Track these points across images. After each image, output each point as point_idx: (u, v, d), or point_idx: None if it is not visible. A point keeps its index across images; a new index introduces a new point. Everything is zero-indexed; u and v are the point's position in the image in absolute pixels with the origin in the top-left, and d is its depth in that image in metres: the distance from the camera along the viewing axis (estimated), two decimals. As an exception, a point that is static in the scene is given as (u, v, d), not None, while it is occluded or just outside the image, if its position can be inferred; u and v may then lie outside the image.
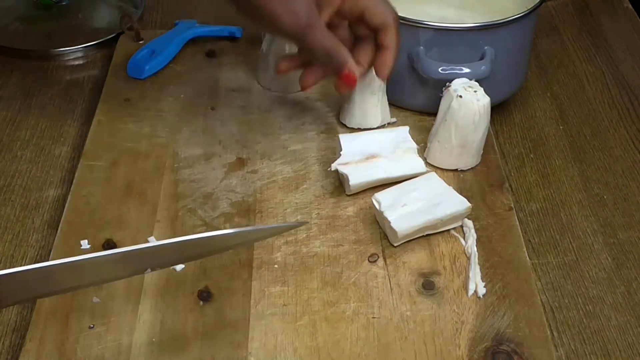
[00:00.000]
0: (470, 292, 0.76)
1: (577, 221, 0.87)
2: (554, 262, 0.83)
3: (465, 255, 0.79)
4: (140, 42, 1.05)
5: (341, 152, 0.85)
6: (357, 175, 0.84)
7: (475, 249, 0.79)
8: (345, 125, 0.93)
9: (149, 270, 0.66)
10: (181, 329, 0.72)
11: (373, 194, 0.81)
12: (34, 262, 0.80)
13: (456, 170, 0.88)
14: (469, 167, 0.88)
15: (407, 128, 0.89)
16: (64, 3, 1.15)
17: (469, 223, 0.81)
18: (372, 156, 0.86)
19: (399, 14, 0.92)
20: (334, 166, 0.85)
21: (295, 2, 0.77)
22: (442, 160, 0.88)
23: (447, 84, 0.87)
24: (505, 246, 0.80)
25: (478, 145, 0.88)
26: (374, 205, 0.81)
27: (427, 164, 0.88)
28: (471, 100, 0.85)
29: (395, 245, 0.80)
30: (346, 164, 0.85)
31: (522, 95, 1.03)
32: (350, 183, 0.84)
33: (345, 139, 0.87)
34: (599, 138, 0.98)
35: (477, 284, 0.76)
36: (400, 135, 0.88)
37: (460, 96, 0.85)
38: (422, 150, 0.91)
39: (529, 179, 0.92)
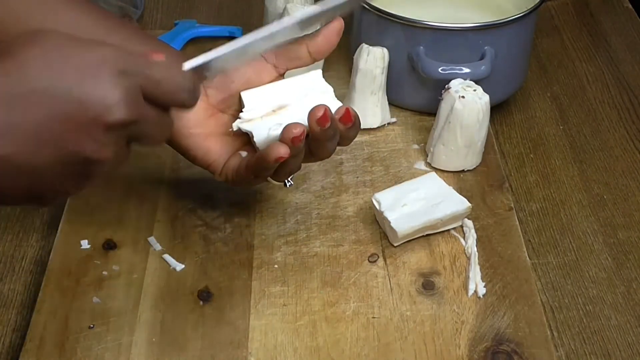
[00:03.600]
0: (470, 292, 0.76)
1: (577, 221, 0.87)
2: (554, 262, 0.83)
3: (465, 255, 0.79)
4: (140, 42, 1.05)
5: (243, 109, 0.73)
6: (262, 131, 0.72)
7: (475, 249, 0.79)
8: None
9: None
10: (181, 329, 0.72)
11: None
12: (34, 263, 0.81)
13: (462, 170, 0.88)
14: (474, 167, 0.88)
15: (319, 71, 0.76)
16: (64, 3, 1.15)
17: (469, 223, 0.81)
18: (279, 107, 0.73)
19: (400, 14, 0.92)
20: (235, 125, 0.73)
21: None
22: (448, 163, 0.88)
23: (446, 86, 0.87)
24: (505, 246, 0.80)
25: (482, 144, 0.88)
26: (374, 205, 0.81)
27: (432, 168, 0.88)
28: (474, 100, 0.85)
29: (395, 245, 0.80)
30: (249, 120, 0.73)
31: (522, 95, 1.03)
32: (255, 140, 0.72)
33: (247, 94, 0.74)
34: (599, 138, 0.97)
35: (477, 284, 0.76)
36: (312, 79, 0.75)
37: (463, 97, 0.85)
38: (422, 151, 0.91)
39: (529, 179, 0.92)
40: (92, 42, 0.55)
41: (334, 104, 0.73)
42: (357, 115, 0.72)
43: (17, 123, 0.52)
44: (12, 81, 0.52)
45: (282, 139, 0.69)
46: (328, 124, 0.69)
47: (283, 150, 0.68)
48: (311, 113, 0.69)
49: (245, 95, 0.73)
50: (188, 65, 0.63)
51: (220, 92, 0.73)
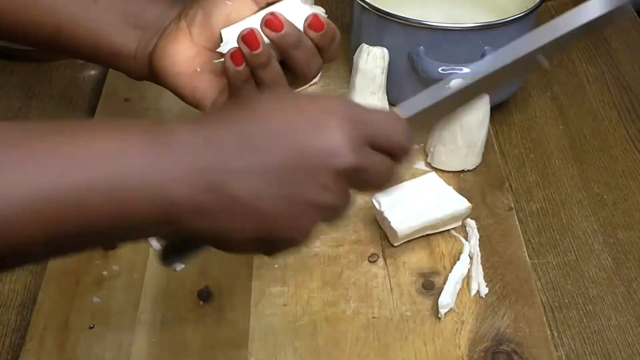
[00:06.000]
0: (473, 291, 0.76)
1: (577, 221, 0.87)
2: (554, 262, 0.83)
3: (468, 255, 0.79)
4: (140, 42, 1.05)
5: (221, 44, 0.72)
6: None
7: (478, 248, 0.79)
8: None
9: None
10: (181, 329, 0.72)
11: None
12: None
13: (462, 170, 0.88)
14: (474, 167, 0.88)
15: None
16: (64, 3, 1.15)
17: (471, 223, 0.81)
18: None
19: (400, 14, 0.92)
20: (216, 62, 0.72)
21: None
22: (448, 163, 0.88)
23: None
24: (505, 246, 0.80)
25: (482, 144, 0.88)
26: (374, 205, 0.81)
27: (432, 167, 0.88)
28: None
29: (395, 245, 0.80)
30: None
31: (522, 95, 1.03)
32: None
33: (227, 30, 0.72)
34: (599, 138, 0.97)
35: (479, 283, 0.76)
36: (291, 6, 0.72)
37: (462, 96, 0.85)
38: (422, 151, 0.91)
39: (529, 179, 0.92)
40: (320, 96, 0.60)
41: (304, 11, 0.71)
42: (331, 24, 0.71)
43: (253, 165, 0.54)
44: (252, 127, 0.55)
45: (239, 44, 0.69)
46: (282, 31, 0.68)
47: (234, 52, 0.69)
48: (263, 22, 0.68)
49: (224, 32, 0.72)
50: (406, 114, 0.63)
51: (203, 30, 0.73)
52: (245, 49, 0.69)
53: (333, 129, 0.55)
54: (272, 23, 0.69)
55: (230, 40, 0.71)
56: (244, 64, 0.69)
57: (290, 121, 0.55)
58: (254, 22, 0.71)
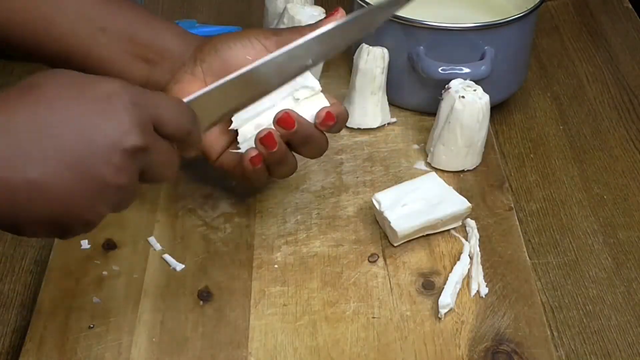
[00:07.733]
0: (473, 291, 0.76)
1: (577, 221, 0.87)
2: (554, 262, 0.83)
3: (468, 255, 0.79)
4: (140, 42, 1.05)
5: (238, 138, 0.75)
6: (246, 132, 0.74)
7: (478, 248, 0.79)
8: (345, 125, 0.93)
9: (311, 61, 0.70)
10: (181, 329, 0.72)
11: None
12: (34, 263, 0.81)
13: (462, 170, 0.88)
14: (474, 167, 0.88)
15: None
16: (64, 3, 1.15)
17: (471, 223, 0.81)
18: (263, 111, 0.75)
19: (400, 14, 0.92)
20: (234, 125, 0.75)
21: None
22: (448, 163, 0.88)
23: (446, 86, 0.87)
24: (505, 246, 0.80)
25: (482, 144, 0.88)
26: (374, 205, 0.81)
27: (432, 168, 0.88)
28: (474, 100, 0.85)
29: (395, 245, 0.80)
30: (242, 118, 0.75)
31: (522, 95, 1.03)
32: (239, 139, 0.75)
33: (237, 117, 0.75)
34: (599, 138, 0.98)
35: (479, 283, 0.76)
36: (302, 76, 0.73)
37: (463, 97, 0.85)
38: (422, 151, 0.91)
39: (529, 179, 0.92)
40: (101, 78, 0.60)
41: (318, 103, 0.75)
42: (341, 112, 0.74)
43: (44, 149, 0.56)
44: (40, 114, 0.57)
45: (256, 144, 0.73)
46: (293, 129, 0.72)
47: (254, 156, 0.73)
48: (276, 120, 0.72)
49: (235, 118, 0.75)
50: (187, 98, 0.66)
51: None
52: (262, 149, 0.73)
53: (120, 111, 0.57)
54: (284, 121, 0.72)
55: (244, 133, 0.74)
56: (262, 163, 0.74)
57: (77, 106, 0.57)
58: (267, 112, 0.74)
